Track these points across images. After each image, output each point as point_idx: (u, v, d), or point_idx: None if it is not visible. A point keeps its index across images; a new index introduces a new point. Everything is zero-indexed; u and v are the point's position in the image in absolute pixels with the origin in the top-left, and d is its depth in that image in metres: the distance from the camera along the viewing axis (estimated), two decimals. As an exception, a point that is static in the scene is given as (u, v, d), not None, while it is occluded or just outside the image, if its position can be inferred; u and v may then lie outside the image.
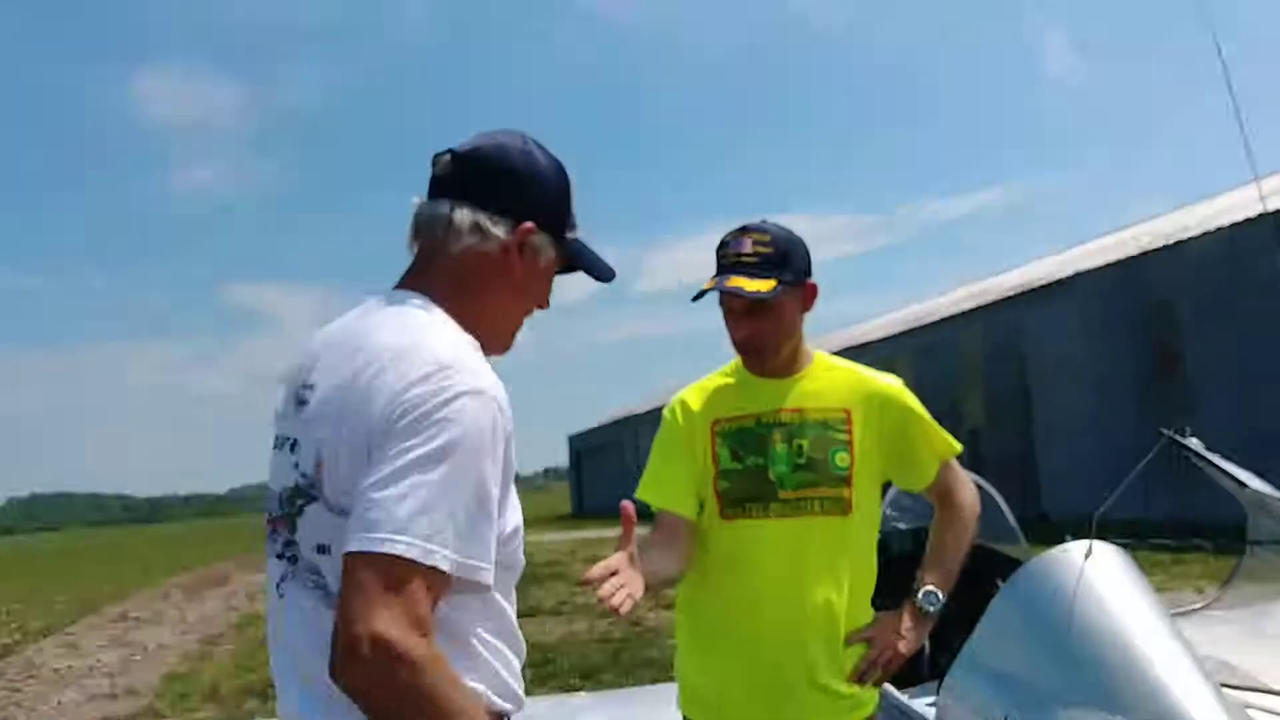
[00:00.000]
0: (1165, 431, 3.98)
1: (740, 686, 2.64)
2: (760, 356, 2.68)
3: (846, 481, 2.64)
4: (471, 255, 1.80)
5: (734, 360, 2.80)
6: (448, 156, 1.84)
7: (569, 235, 1.91)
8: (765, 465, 2.64)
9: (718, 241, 2.65)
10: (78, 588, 26.72)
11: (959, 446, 2.84)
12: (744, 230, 2.62)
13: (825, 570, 2.62)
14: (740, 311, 2.62)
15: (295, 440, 1.72)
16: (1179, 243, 19.72)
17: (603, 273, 2.00)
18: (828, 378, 2.74)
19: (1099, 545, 3.21)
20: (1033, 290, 23.62)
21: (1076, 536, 3.25)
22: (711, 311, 2.72)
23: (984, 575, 3.82)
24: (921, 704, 3.64)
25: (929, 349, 26.99)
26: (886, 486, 2.83)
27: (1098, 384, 20.85)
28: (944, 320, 26.93)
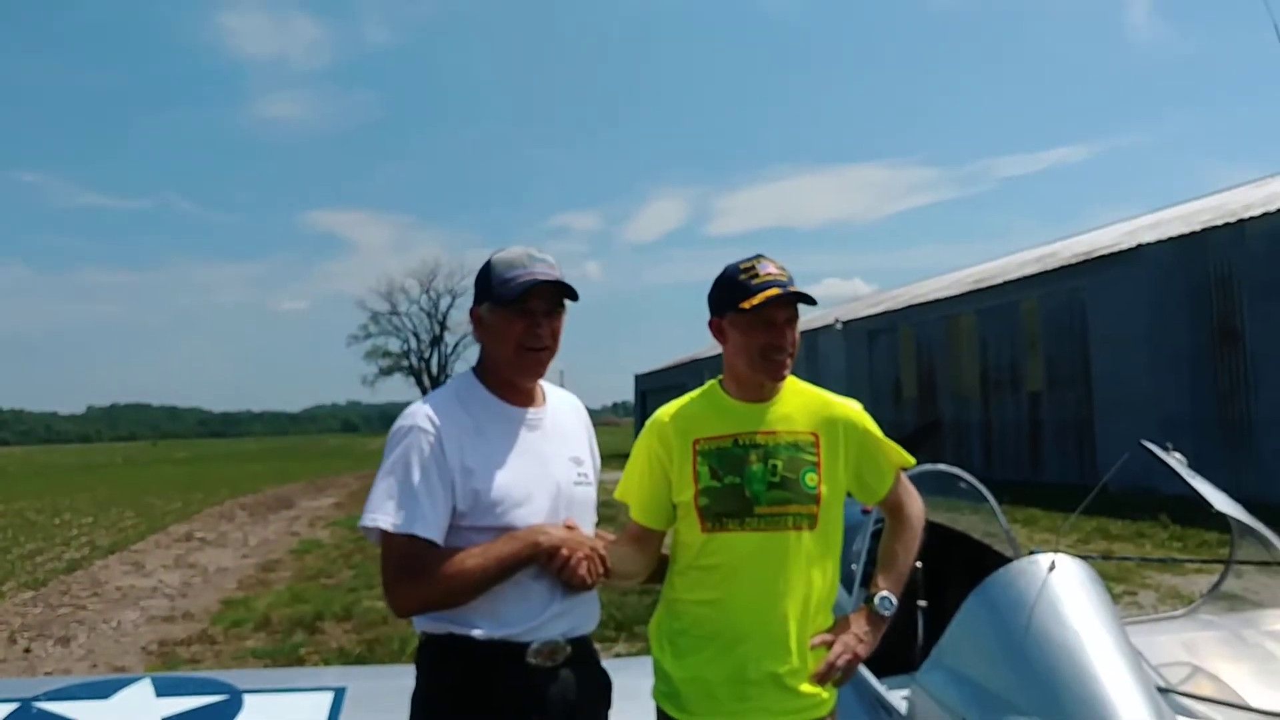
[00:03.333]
0: (1143, 443, 4.16)
1: (711, 684, 2.86)
2: (786, 367, 2.89)
3: (815, 499, 2.85)
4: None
5: (709, 382, 3.03)
6: None
7: (500, 292, 2.80)
8: (742, 483, 2.85)
9: (724, 274, 2.91)
10: (147, 504, 27.69)
11: (911, 460, 3.06)
12: (759, 257, 2.88)
13: (794, 580, 2.84)
14: (782, 323, 2.85)
15: None
16: (1242, 221, 19.43)
17: (532, 292, 2.79)
18: (796, 402, 2.95)
19: (1062, 558, 3.39)
20: (1096, 259, 23.40)
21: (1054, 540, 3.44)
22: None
23: (974, 572, 4.01)
24: (898, 695, 3.85)
25: (993, 311, 26.87)
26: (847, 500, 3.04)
27: (1156, 356, 20.69)
28: (1008, 283, 26.74)
